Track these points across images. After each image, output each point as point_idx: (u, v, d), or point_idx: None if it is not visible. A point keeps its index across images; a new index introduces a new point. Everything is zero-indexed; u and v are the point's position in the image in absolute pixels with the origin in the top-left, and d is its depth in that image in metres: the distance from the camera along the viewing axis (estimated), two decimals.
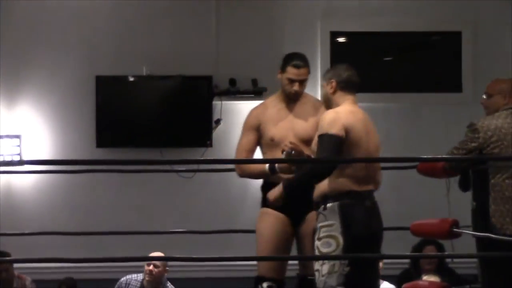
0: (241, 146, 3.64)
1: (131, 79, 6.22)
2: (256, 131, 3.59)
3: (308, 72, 3.61)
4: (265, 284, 3.49)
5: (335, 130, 3.13)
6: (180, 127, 6.12)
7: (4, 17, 6.12)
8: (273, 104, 3.64)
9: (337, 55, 6.13)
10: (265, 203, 3.51)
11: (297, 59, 3.58)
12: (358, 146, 3.22)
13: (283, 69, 3.56)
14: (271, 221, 3.52)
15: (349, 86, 3.34)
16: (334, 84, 3.31)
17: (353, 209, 3.25)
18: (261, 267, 3.51)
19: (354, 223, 3.23)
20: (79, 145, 6.26)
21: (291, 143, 3.35)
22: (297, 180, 3.30)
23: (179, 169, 5.27)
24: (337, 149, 3.14)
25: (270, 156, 3.53)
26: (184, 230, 5.06)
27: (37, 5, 6.25)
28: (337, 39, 6.31)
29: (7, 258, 5.06)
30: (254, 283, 3.51)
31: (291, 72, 3.51)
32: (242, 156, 3.61)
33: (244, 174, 3.68)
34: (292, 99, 3.57)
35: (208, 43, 6.20)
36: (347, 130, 3.17)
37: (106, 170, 5.09)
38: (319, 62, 6.03)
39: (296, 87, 3.51)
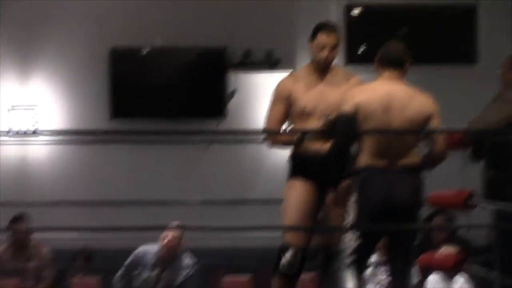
0: (271, 116, 3.73)
1: (145, 50, 6.37)
2: (286, 102, 3.66)
3: (338, 39, 3.68)
4: (289, 252, 3.60)
5: (347, 107, 3.32)
6: (194, 99, 6.29)
7: None
8: (304, 75, 3.73)
9: (352, 28, 6.26)
10: (293, 173, 3.63)
11: (327, 26, 3.68)
12: (370, 121, 3.35)
13: (313, 37, 3.64)
14: (298, 191, 3.62)
15: (384, 62, 3.45)
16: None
17: (367, 183, 3.39)
18: (287, 236, 3.64)
19: (366, 197, 3.38)
20: (93, 116, 6.46)
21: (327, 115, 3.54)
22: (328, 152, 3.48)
23: (193, 139, 5.40)
24: (346, 125, 3.34)
25: (300, 126, 3.64)
26: (200, 200, 5.17)
27: None
28: (352, 11, 6.46)
29: (24, 225, 5.25)
30: (278, 251, 3.63)
31: (321, 38, 3.58)
32: (272, 126, 3.72)
33: (275, 144, 3.82)
34: (322, 69, 3.64)
35: (222, 14, 6.36)
36: (357, 107, 3.32)
37: (120, 141, 5.24)
38: None
39: (326, 53, 3.58)
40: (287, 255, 3.63)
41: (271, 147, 3.91)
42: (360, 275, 3.55)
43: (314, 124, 3.56)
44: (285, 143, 3.80)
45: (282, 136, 3.77)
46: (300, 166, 3.68)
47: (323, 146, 3.55)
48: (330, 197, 3.56)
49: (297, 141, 3.61)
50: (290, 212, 3.65)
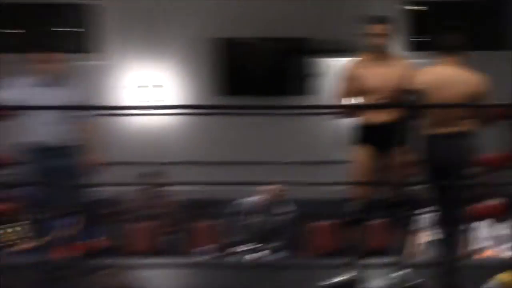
0: (340, 92, 4.44)
1: (246, 40, 7.95)
2: (352, 81, 4.36)
3: (387, 28, 4.39)
4: (357, 203, 4.35)
5: (413, 86, 4.18)
6: (284, 79, 7.80)
7: None
8: (365, 59, 4.46)
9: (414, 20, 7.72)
10: (359, 139, 4.35)
11: (377, 18, 4.45)
12: (432, 97, 4.16)
13: (367, 28, 4.40)
14: (364, 154, 4.33)
15: (442, 50, 4.25)
16: None
17: (431, 146, 4.19)
18: (355, 189, 4.40)
19: (431, 157, 4.17)
20: (202, 93, 7.99)
21: (382, 94, 4.29)
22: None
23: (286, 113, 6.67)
24: (414, 100, 4.19)
25: (364, 100, 4.37)
26: (293, 161, 6.36)
27: None
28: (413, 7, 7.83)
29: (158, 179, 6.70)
30: (347, 203, 4.37)
31: (369, 28, 4.38)
32: (341, 101, 4.42)
33: (345, 115, 4.52)
34: (378, 53, 4.38)
35: (306, 12, 7.86)
36: (422, 85, 4.15)
37: (232, 113, 6.62)
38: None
39: (374, 40, 4.35)
40: (355, 205, 4.36)
41: (342, 118, 4.59)
42: (418, 225, 4.34)
43: (374, 98, 4.25)
44: (352, 115, 4.44)
45: (350, 109, 4.46)
46: (366, 133, 4.28)
47: (385, 117, 4.23)
48: (392, 158, 4.25)
49: (363, 112, 4.29)
50: (358, 170, 4.36)
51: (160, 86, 8.20)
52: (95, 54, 8.06)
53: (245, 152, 7.00)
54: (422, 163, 4.14)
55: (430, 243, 5.17)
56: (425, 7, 7.93)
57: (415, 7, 7.94)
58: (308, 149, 7.19)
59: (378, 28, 4.35)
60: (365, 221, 4.47)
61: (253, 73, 7.92)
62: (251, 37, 7.92)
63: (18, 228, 6.67)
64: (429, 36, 7.57)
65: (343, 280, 4.48)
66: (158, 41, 8.21)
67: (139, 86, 8.20)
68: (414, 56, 6.42)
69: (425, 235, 5.37)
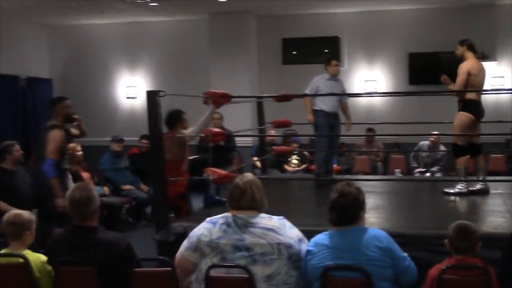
0: (462, 83, 6.41)
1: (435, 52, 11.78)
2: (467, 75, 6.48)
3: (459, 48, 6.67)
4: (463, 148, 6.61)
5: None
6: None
7: None
8: (474, 61, 6.60)
9: None
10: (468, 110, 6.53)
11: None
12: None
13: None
14: (470, 117, 6.54)
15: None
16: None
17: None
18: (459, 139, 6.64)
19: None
20: (397, 83, 12.23)
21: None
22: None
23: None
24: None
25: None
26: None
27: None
28: None
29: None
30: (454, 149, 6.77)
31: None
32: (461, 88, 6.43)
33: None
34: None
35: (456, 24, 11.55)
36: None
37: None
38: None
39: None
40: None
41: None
42: None
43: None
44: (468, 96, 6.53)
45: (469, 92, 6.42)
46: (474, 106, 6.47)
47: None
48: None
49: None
50: (466, 127, 6.51)
51: (374, 80, 12.49)
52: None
53: (424, 118, 10.24)
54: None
55: None
56: None
57: None
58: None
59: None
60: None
61: (431, 75, 10.70)
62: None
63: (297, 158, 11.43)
64: None
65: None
66: (374, 51, 12.48)
67: (365, 81, 12.53)
68: None
69: None
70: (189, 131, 6.43)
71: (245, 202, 3.60)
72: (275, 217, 3.61)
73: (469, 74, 6.44)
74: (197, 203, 6.73)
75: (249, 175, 3.75)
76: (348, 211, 3.56)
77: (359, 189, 3.66)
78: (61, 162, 6.26)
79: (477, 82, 6.53)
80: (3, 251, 4.15)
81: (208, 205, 6.44)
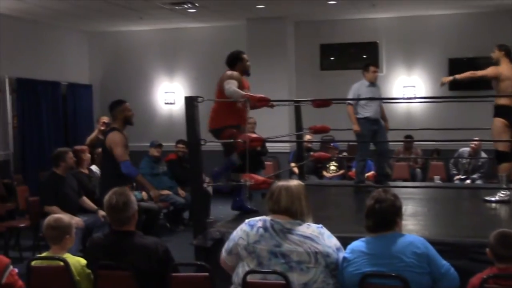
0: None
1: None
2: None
3: (496, 51, 6.66)
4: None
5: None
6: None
7: None
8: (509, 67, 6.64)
9: None
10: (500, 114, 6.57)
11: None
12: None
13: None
14: (503, 122, 6.58)
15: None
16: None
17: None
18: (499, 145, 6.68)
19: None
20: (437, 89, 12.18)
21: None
22: None
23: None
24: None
25: None
26: None
27: None
28: None
29: None
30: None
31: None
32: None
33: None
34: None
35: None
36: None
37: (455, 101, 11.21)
38: None
39: None
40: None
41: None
42: None
43: None
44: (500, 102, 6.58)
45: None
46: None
47: None
48: None
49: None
50: (501, 133, 6.53)
51: (413, 86, 12.53)
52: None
53: (465, 124, 9.97)
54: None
55: None
56: None
57: None
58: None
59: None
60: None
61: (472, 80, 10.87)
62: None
63: (335, 164, 11.69)
64: None
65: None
66: (413, 57, 12.45)
67: (403, 86, 12.51)
68: None
69: None
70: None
71: (271, 204, 3.59)
72: (313, 225, 3.59)
73: (500, 78, 6.45)
74: (228, 209, 6.71)
75: (292, 181, 3.74)
76: (384, 218, 3.55)
77: (395, 195, 3.64)
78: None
79: (509, 87, 6.46)
80: (43, 254, 4.22)
81: (236, 209, 6.39)
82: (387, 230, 3.54)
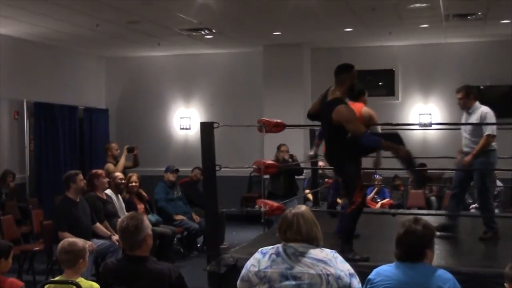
0: None
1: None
2: None
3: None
4: None
5: None
6: None
7: None
8: None
9: None
10: None
11: None
12: None
13: None
14: None
15: None
16: None
17: None
18: None
19: None
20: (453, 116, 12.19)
21: None
22: None
23: None
24: None
25: None
26: None
27: None
28: None
29: None
30: None
31: None
32: None
33: None
34: None
35: None
36: None
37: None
38: None
39: None
40: None
41: None
42: None
43: None
44: None
45: None
46: None
47: None
48: None
49: None
50: None
51: (429, 114, 12.55)
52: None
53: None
54: None
55: None
56: None
57: None
58: None
59: None
60: None
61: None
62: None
63: None
64: None
65: None
66: (430, 84, 12.53)
67: (420, 114, 12.54)
68: None
69: None
70: None
71: (291, 234, 3.58)
72: (327, 250, 3.58)
73: None
74: (249, 234, 6.70)
75: (300, 207, 3.73)
76: (413, 249, 3.51)
77: (426, 225, 3.56)
78: None
79: None
80: (57, 278, 4.22)
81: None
82: (415, 261, 3.50)
